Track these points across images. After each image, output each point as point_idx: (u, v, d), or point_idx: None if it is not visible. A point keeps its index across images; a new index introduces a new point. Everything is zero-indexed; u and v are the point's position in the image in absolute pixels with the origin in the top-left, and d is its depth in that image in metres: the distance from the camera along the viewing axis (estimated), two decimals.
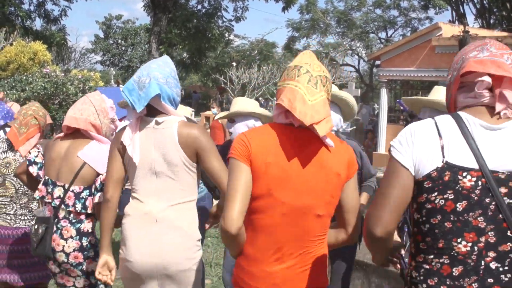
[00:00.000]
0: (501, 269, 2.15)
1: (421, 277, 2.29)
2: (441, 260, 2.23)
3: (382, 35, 48.59)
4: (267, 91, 32.78)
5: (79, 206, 4.07)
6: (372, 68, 46.70)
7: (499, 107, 2.19)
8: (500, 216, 2.13)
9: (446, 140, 2.22)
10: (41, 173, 4.34)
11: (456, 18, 29.99)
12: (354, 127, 19.64)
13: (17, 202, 4.90)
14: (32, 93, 16.75)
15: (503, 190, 2.13)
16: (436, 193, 2.21)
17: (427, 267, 2.27)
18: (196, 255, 3.54)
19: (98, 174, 4.06)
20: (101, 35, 61.55)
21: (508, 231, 2.13)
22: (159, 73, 3.51)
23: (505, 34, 18.91)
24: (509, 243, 2.14)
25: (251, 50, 52.83)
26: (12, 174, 4.68)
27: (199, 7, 37.87)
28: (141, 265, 3.50)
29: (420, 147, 2.25)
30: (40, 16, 39.51)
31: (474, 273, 2.17)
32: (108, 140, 4.14)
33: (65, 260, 4.07)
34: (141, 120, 3.56)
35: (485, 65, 2.19)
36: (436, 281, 2.24)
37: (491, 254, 2.15)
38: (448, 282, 2.20)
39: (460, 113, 2.27)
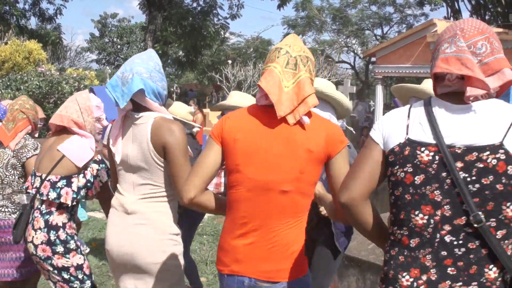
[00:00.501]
0: (455, 242, 2.18)
1: (387, 247, 2.40)
2: (401, 231, 2.31)
3: (378, 32, 48.71)
4: None
5: (52, 195, 4.07)
6: (367, 65, 46.74)
7: (468, 92, 2.22)
8: (456, 190, 2.17)
9: (412, 120, 2.33)
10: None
11: (451, 15, 30.05)
12: (347, 126, 19.63)
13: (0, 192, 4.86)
14: (27, 92, 16.73)
15: (459, 164, 2.17)
16: (397, 167, 2.30)
17: (392, 238, 2.38)
18: (170, 249, 3.53)
19: (76, 167, 4.11)
20: (97, 33, 61.56)
21: (463, 206, 2.16)
22: (143, 68, 3.50)
23: (500, 30, 18.96)
24: (464, 217, 2.17)
25: (246, 47, 52.83)
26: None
27: (195, 4, 37.72)
28: (115, 254, 3.61)
29: (389, 125, 2.39)
30: (35, 15, 39.40)
31: (429, 245, 2.23)
32: (91, 135, 4.23)
33: (34, 252, 4.09)
34: (127, 116, 3.59)
35: (450, 64, 2.24)
36: (396, 251, 2.33)
37: (447, 227, 2.20)
38: (405, 253, 2.29)
39: (433, 98, 2.37)
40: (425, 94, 4.22)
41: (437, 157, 2.21)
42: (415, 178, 2.25)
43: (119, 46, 60.65)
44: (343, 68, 45.65)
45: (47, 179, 4.10)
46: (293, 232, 2.82)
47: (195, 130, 6.49)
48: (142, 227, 3.49)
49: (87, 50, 58.39)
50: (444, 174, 2.20)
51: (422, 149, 2.24)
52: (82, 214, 7.15)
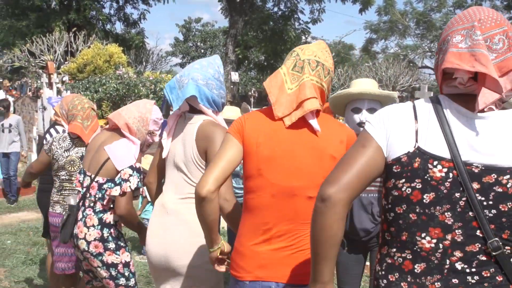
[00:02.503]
0: (467, 270, 1.97)
1: (383, 272, 2.13)
2: (403, 255, 2.06)
3: None
4: None
5: (99, 196, 4.19)
6: None
7: (480, 104, 1.96)
8: (470, 213, 1.95)
9: (422, 124, 2.04)
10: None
11: None
12: None
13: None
14: (105, 94, 17.17)
15: (475, 185, 1.94)
16: (403, 180, 2.04)
17: (389, 261, 2.11)
18: (206, 252, 3.38)
19: (116, 170, 4.14)
20: (181, 38, 62.53)
21: (478, 231, 1.95)
22: (200, 74, 3.51)
23: None
24: (477, 244, 1.96)
25: None
26: (78, 171, 4.74)
27: (275, 9, 37.82)
28: (153, 255, 3.60)
29: (394, 128, 2.07)
30: (120, 19, 40.48)
31: (437, 272, 2.00)
32: (138, 143, 4.27)
33: (86, 248, 4.17)
34: (183, 116, 3.63)
35: (462, 60, 1.97)
36: (396, 277, 2.08)
37: (458, 253, 1.98)
38: (409, 279, 2.04)
39: (441, 96, 2.10)
40: (367, 96, 3.94)
41: (451, 175, 1.96)
42: (424, 196, 2.00)
43: (202, 50, 61.39)
44: (426, 74, 44.82)
45: (95, 180, 4.20)
46: None
47: None
48: (179, 228, 3.47)
49: (172, 54, 59.40)
50: (457, 194, 1.96)
51: (435, 163, 1.98)
52: None
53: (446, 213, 1.98)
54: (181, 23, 62.08)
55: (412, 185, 2.01)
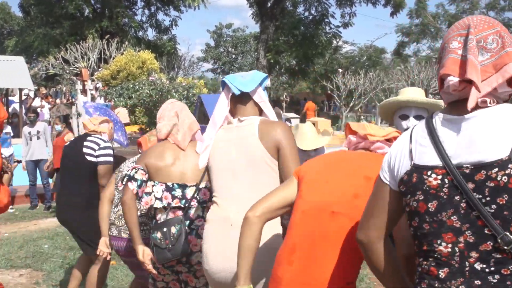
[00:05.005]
0: (487, 270, 1.98)
1: (417, 280, 2.20)
2: (428, 262, 2.12)
3: None
4: (375, 98, 32.45)
5: (203, 202, 4.14)
6: None
7: (470, 102, 2.00)
8: (474, 213, 1.98)
9: (414, 143, 2.16)
10: (139, 191, 4.09)
11: None
12: None
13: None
14: (138, 100, 17.33)
15: (470, 185, 1.98)
16: (409, 196, 2.14)
17: (420, 269, 2.18)
18: None
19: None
20: (212, 43, 62.80)
21: (485, 229, 1.96)
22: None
23: None
24: (489, 242, 1.97)
25: (360, 56, 52.40)
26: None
27: (306, 14, 37.83)
28: (217, 272, 3.39)
29: (395, 156, 2.25)
30: (152, 26, 40.80)
31: (460, 275, 2.02)
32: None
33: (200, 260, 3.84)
34: (225, 122, 3.58)
35: (459, 67, 2.05)
36: (426, 283, 2.12)
37: (474, 254, 2.00)
38: (436, 285, 2.07)
39: (435, 112, 2.19)
40: (414, 103, 4.03)
41: (446, 180, 2.03)
42: (429, 205, 2.07)
43: (233, 56, 61.63)
44: None
45: (204, 186, 4.13)
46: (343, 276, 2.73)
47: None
48: None
49: (203, 60, 59.68)
50: (457, 197, 2.01)
51: (429, 173, 2.07)
52: None
53: (452, 217, 2.02)
54: (212, 29, 62.33)
55: (416, 198, 2.11)
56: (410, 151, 2.16)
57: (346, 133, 3.02)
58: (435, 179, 2.05)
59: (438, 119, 2.14)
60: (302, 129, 4.94)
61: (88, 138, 5.71)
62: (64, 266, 7.70)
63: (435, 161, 2.07)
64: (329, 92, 33.37)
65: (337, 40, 39.74)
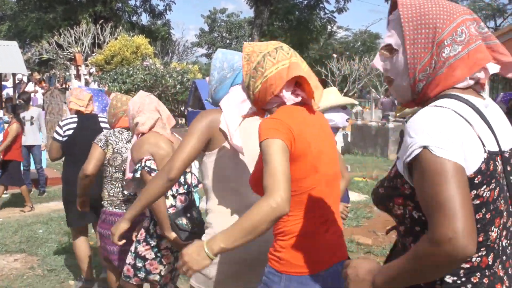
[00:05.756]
0: (508, 246, 2.03)
1: (463, 279, 2.02)
2: (480, 254, 2.00)
3: (491, 24, 46.90)
4: (370, 83, 32.44)
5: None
6: None
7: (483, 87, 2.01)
8: (508, 194, 2.00)
9: (477, 127, 1.95)
10: None
11: None
12: None
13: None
14: (133, 85, 17.29)
15: (508, 168, 1.99)
16: (484, 187, 1.93)
17: (467, 265, 2.00)
18: None
19: None
20: (206, 28, 62.64)
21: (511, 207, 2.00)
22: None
23: None
24: (511, 219, 2.02)
25: (354, 41, 52.36)
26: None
27: None
28: (253, 262, 3.25)
29: (463, 139, 1.90)
30: (146, 11, 40.65)
31: (498, 256, 2.02)
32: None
33: None
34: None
35: (489, 53, 2.01)
36: (479, 276, 2.01)
37: (504, 233, 2.01)
38: (487, 273, 2.00)
39: (462, 95, 2.02)
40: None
41: (500, 165, 1.98)
42: (495, 193, 1.95)
43: (228, 41, 61.48)
44: None
45: (190, 171, 4.43)
46: None
47: None
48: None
49: (197, 45, 59.53)
50: (504, 181, 1.98)
51: (497, 158, 1.96)
52: None
53: (502, 201, 2.00)
54: (206, 13, 62.19)
55: (490, 187, 1.94)
56: (479, 137, 1.93)
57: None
58: (500, 164, 1.97)
59: (476, 102, 2.00)
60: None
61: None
62: (59, 251, 7.69)
63: (496, 147, 1.96)
64: (323, 77, 33.28)
65: (332, 25, 39.78)
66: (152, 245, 4.22)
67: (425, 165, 1.83)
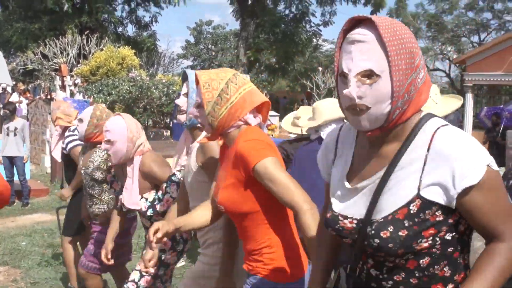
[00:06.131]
0: None
1: (457, 274, 2.05)
2: (467, 255, 2.10)
3: (475, 38, 47.27)
4: None
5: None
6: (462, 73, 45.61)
7: None
8: None
9: None
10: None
11: None
12: None
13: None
14: (118, 96, 17.24)
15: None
16: None
17: (463, 263, 2.06)
18: None
19: None
20: (192, 40, 62.57)
21: None
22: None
23: None
24: None
25: None
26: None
27: (287, 12, 37.79)
28: None
29: None
30: (132, 22, 40.56)
31: None
32: None
33: None
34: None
35: None
36: (465, 274, 2.06)
37: None
38: (467, 272, 2.06)
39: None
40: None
41: None
42: None
43: (213, 53, 61.41)
44: (437, 76, 44.68)
45: None
46: None
47: None
48: None
49: (183, 56, 59.44)
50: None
51: None
52: None
53: None
54: (192, 25, 62.06)
55: None
56: None
57: None
58: None
59: None
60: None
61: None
62: (42, 264, 7.63)
63: None
64: (308, 90, 33.35)
65: (317, 38, 39.81)
66: (178, 250, 4.44)
67: (491, 180, 1.90)
